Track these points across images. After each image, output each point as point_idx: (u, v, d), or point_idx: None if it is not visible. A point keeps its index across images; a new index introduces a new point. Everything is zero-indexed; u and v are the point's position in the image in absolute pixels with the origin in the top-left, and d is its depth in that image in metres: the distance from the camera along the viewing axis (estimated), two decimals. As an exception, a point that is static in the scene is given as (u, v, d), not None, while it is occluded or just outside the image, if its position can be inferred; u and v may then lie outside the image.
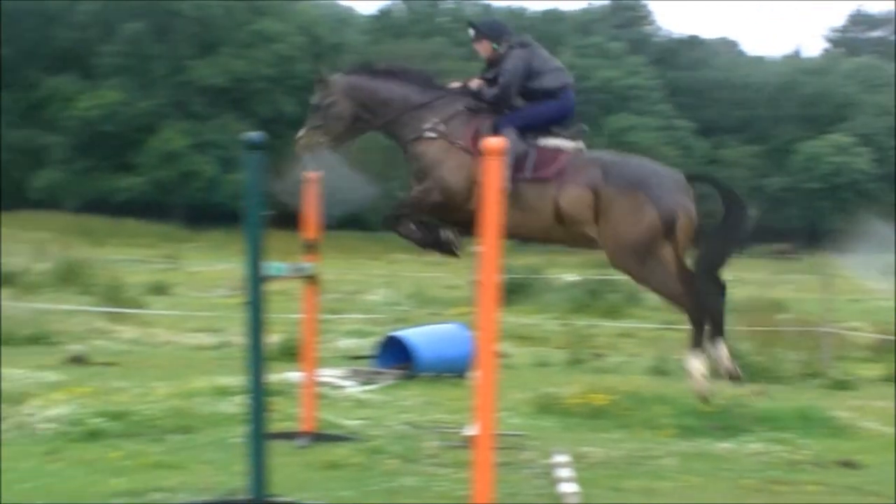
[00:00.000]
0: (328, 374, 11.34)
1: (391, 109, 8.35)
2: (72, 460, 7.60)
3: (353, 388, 11.30)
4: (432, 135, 8.21)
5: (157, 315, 18.08)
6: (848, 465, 8.36)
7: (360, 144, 8.69)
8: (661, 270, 7.74)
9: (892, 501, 7.26)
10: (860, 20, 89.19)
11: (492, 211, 5.61)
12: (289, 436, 8.35)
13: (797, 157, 70.16)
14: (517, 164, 7.91)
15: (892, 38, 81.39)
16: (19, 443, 8.19)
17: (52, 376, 11.20)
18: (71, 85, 59.37)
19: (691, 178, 8.12)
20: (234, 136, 22.87)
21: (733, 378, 7.94)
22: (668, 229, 7.71)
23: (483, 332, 5.64)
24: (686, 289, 7.76)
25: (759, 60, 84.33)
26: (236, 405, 9.22)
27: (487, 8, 76.19)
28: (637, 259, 7.76)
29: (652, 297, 23.14)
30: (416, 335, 12.64)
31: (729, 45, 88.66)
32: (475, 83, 8.40)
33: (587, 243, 8.06)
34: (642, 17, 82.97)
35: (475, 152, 7.95)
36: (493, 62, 8.37)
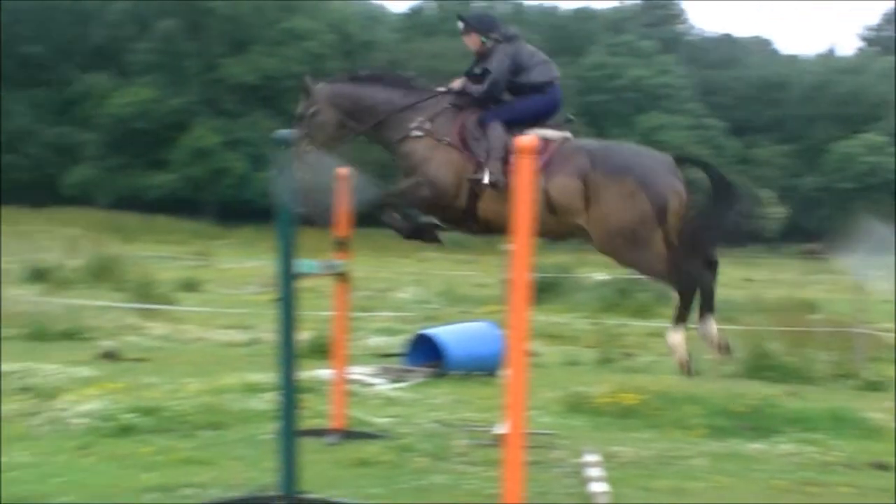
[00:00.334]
0: (358, 372, 11.35)
1: (377, 113, 8.39)
2: (103, 455, 7.64)
3: (382, 386, 11.30)
4: (419, 133, 8.24)
5: (188, 311, 18.14)
6: (881, 466, 8.31)
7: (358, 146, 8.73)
8: (650, 254, 7.72)
9: (925, 504, 7.21)
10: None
11: (523, 209, 5.60)
12: (319, 433, 8.37)
13: (830, 156, 69.70)
14: (505, 158, 7.91)
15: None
16: (52, 437, 8.25)
17: (84, 371, 11.26)
18: (104, 82, 59.69)
19: (680, 161, 8.10)
20: (265, 133, 22.89)
21: (723, 351, 7.96)
22: (659, 213, 7.71)
23: (514, 331, 5.63)
24: (674, 267, 7.72)
25: (793, 59, 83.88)
26: (266, 402, 9.24)
27: (519, 7, 76.15)
28: (627, 244, 7.74)
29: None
30: (446, 333, 12.63)
31: (762, 44, 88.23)
32: (457, 84, 8.42)
33: (578, 234, 8.07)
34: (674, 15, 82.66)
35: (462, 148, 8.10)
36: (483, 55, 8.40)
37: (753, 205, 8.24)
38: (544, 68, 8.42)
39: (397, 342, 14.14)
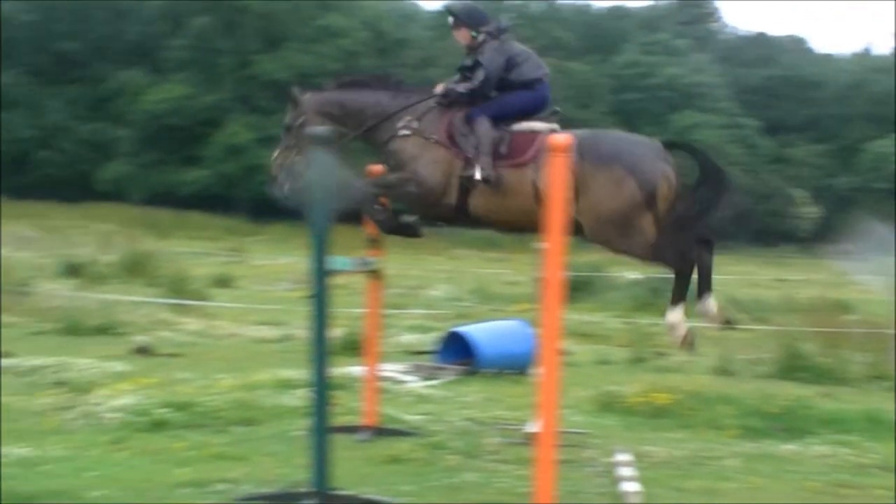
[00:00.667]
0: (390, 369, 11.36)
1: (365, 117, 8.44)
2: (137, 450, 7.68)
3: (414, 383, 11.31)
4: (406, 132, 8.29)
5: (221, 307, 18.21)
6: (916, 469, 8.24)
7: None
8: (642, 239, 7.72)
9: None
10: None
11: (556, 208, 5.60)
12: (350, 430, 8.39)
13: (865, 156, 69.22)
14: (494, 152, 7.98)
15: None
16: (86, 431, 8.31)
17: (118, 366, 11.33)
18: (139, 79, 59.98)
19: (669, 146, 8.07)
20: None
21: (727, 323, 7.93)
22: (648, 198, 7.71)
23: (547, 330, 5.63)
24: (668, 249, 7.68)
25: (828, 58, 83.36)
26: (299, 398, 9.26)
27: (552, 5, 76.03)
28: (618, 231, 7.74)
29: (715, 297, 22.98)
30: (477, 331, 12.62)
31: (797, 43, 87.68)
32: (440, 88, 8.44)
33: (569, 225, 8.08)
34: (709, 13, 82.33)
35: (450, 145, 8.15)
36: (473, 49, 8.43)
37: (740, 192, 8.22)
38: (534, 65, 8.47)
39: (429, 340, 14.14)
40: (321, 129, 6.85)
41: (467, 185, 8.03)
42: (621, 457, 7.99)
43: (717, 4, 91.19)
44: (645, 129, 65.54)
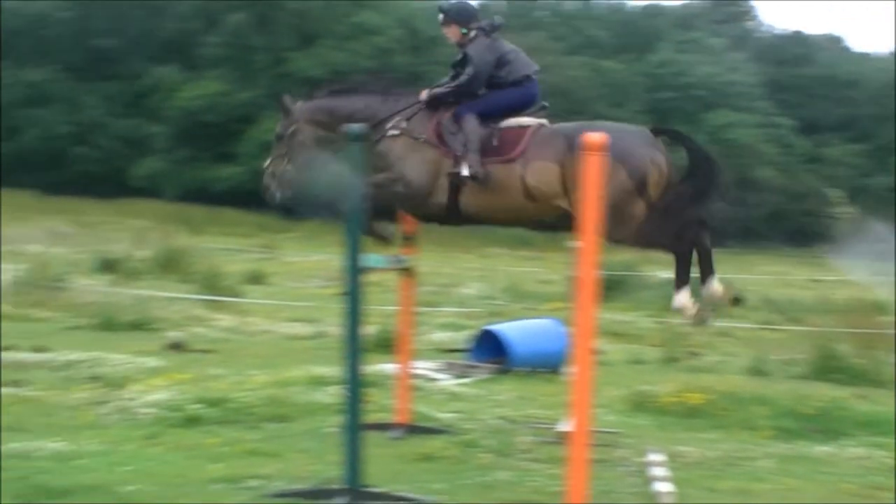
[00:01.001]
0: (423, 367, 11.37)
1: (356, 121, 8.41)
2: (170, 445, 7.71)
3: (447, 381, 11.31)
4: (395, 132, 8.33)
5: (254, 304, 18.27)
6: (952, 472, 8.18)
7: None
8: (636, 226, 7.69)
9: None
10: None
11: (591, 207, 5.58)
12: (383, 427, 8.40)
13: (902, 156, 68.71)
14: (482, 149, 7.99)
15: None
16: (120, 426, 8.35)
17: (151, 362, 11.39)
18: (174, 75, 60.21)
19: (657, 132, 8.05)
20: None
21: (735, 302, 7.88)
22: (639, 186, 7.69)
23: (580, 329, 5.61)
24: (662, 233, 7.68)
25: (865, 57, 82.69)
26: (331, 395, 9.28)
27: (587, 3, 75.85)
28: (612, 220, 7.67)
29: (750, 297, 22.87)
30: (510, 329, 12.61)
31: (833, 41, 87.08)
32: (424, 94, 8.45)
33: (561, 218, 8.06)
34: (744, 12, 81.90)
35: (439, 144, 8.17)
36: (463, 46, 8.45)
37: (728, 180, 8.18)
38: (523, 63, 8.48)
39: (461, 338, 14.14)
40: (355, 125, 6.86)
41: (457, 182, 8.05)
42: (654, 457, 7.96)
43: (753, 3, 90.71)
44: (679, 127, 65.41)
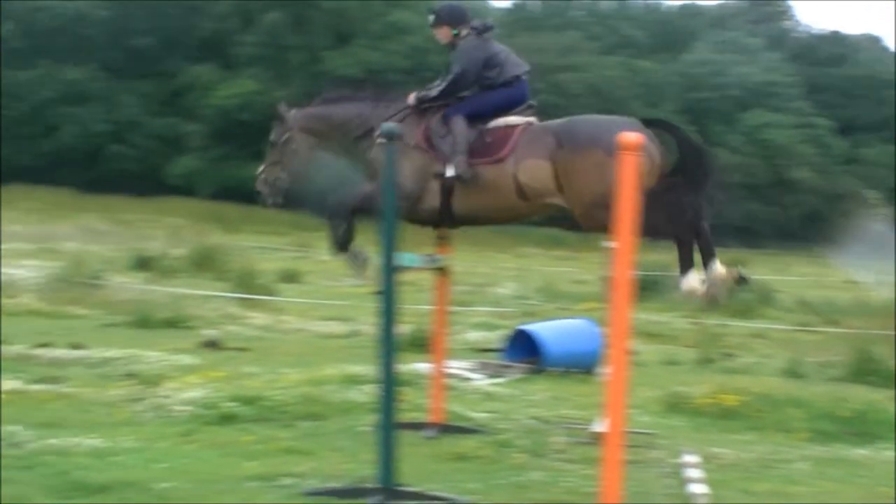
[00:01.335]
0: (456, 366, 11.36)
1: (349, 129, 8.59)
2: (205, 443, 7.74)
3: (480, 381, 11.31)
4: (384, 139, 8.30)
5: (289, 302, 18.32)
6: None
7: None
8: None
9: None
10: None
11: (626, 207, 5.56)
12: (417, 426, 8.40)
13: (940, 157, 68.14)
14: (471, 151, 8.01)
15: None
16: (155, 423, 8.39)
17: (186, 360, 11.44)
18: (210, 74, 60.48)
19: (648, 123, 8.01)
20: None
21: (740, 282, 7.83)
22: None
23: (615, 329, 5.60)
24: (660, 221, 7.65)
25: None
26: (365, 394, 9.29)
27: (623, 3, 75.65)
28: (607, 213, 7.64)
29: (786, 298, 22.79)
30: (544, 329, 12.59)
31: (872, 41, 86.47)
32: (411, 98, 8.49)
33: (554, 212, 8.17)
34: (781, 12, 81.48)
35: (428, 148, 8.23)
36: (454, 47, 8.48)
37: (720, 170, 8.15)
38: (514, 64, 8.50)
39: (495, 337, 14.13)
40: (390, 124, 6.87)
41: (448, 185, 8.07)
42: (689, 458, 7.93)
43: (791, 3, 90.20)
44: (714, 127, 65.08)
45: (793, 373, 13.27)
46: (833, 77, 73.25)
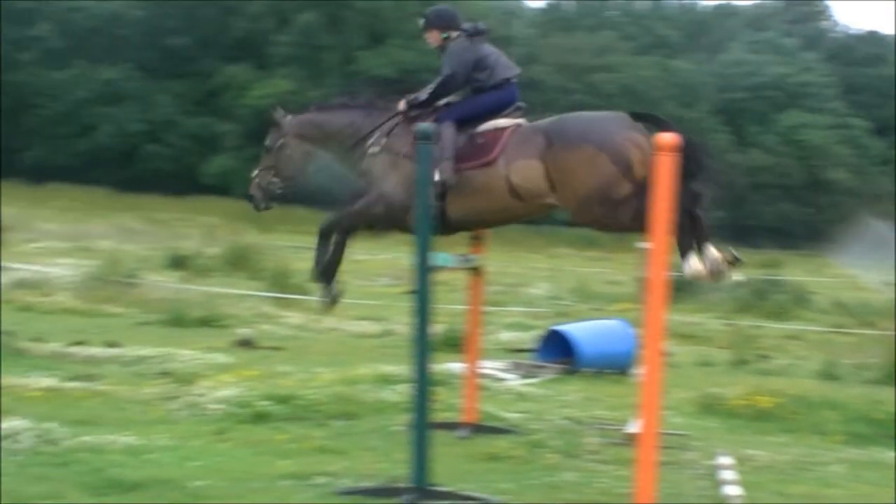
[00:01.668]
0: (489, 366, 11.36)
1: (343, 138, 8.65)
2: (239, 441, 7.77)
3: (514, 381, 11.30)
4: (375, 149, 8.43)
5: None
6: None
7: None
8: (627, 209, 7.62)
9: None
10: None
11: (661, 208, 5.54)
12: (450, 426, 8.40)
13: (978, 157, 67.53)
14: (461, 155, 8.02)
15: None
16: (190, 421, 8.43)
17: (220, 358, 11.48)
18: (245, 74, 60.68)
19: (637, 118, 7.97)
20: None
21: (733, 263, 7.77)
22: (624, 169, 7.62)
23: (649, 330, 5.58)
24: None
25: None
26: (398, 393, 9.31)
27: (658, 3, 75.38)
28: (602, 207, 7.69)
29: (821, 300, 22.66)
30: (578, 330, 12.56)
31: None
32: (402, 104, 8.51)
33: (547, 211, 8.21)
34: (818, 12, 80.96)
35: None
36: (444, 51, 8.50)
37: (714, 162, 8.08)
38: (504, 67, 8.51)
39: (529, 338, 14.11)
40: (425, 125, 6.88)
41: (441, 191, 8.09)
42: (723, 460, 7.89)
43: (828, 2, 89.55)
44: (750, 128, 64.75)
45: (828, 375, 13.19)
46: (870, 77, 72.70)
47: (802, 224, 60.50)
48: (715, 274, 7.73)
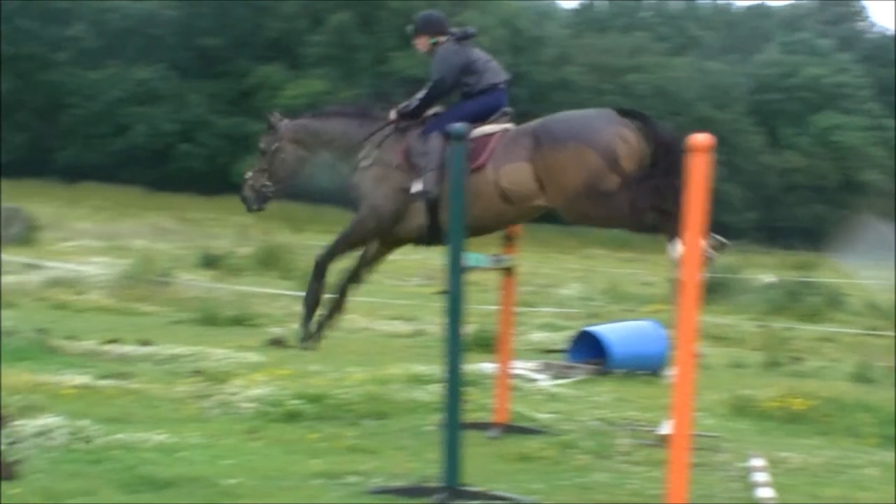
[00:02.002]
0: (521, 367, 11.34)
1: (336, 147, 8.74)
2: (271, 440, 7.79)
3: (545, 382, 11.28)
4: (366, 163, 8.51)
5: (354, 301, 18.32)
6: None
7: None
8: (616, 202, 7.66)
9: None
10: None
11: (695, 209, 5.52)
12: (481, 426, 8.39)
13: None
14: (442, 166, 8.04)
15: None
16: (222, 420, 8.46)
17: (252, 357, 11.51)
18: (278, 74, 60.90)
19: (622, 113, 7.99)
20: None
21: (719, 248, 7.74)
22: (611, 162, 7.65)
23: (682, 331, 5.56)
24: (644, 201, 7.67)
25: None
26: (430, 393, 9.31)
27: (692, 4, 75.14)
28: (591, 202, 7.73)
29: (855, 302, 22.52)
30: (609, 331, 12.53)
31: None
32: (393, 114, 8.59)
33: (538, 213, 8.21)
34: (854, 13, 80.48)
35: (409, 168, 8.32)
36: (433, 56, 8.56)
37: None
38: (493, 72, 8.55)
39: (560, 338, 14.09)
40: (457, 124, 6.88)
41: (431, 201, 8.16)
42: (755, 462, 7.85)
43: (864, 3, 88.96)
44: (784, 130, 64.42)
45: (862, 377, 13.11)
46: (906, 78, 72.14)
47: (836, 225, 60.14)
48: (711, 254, 7.75)
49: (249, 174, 9.15)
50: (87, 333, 12.46)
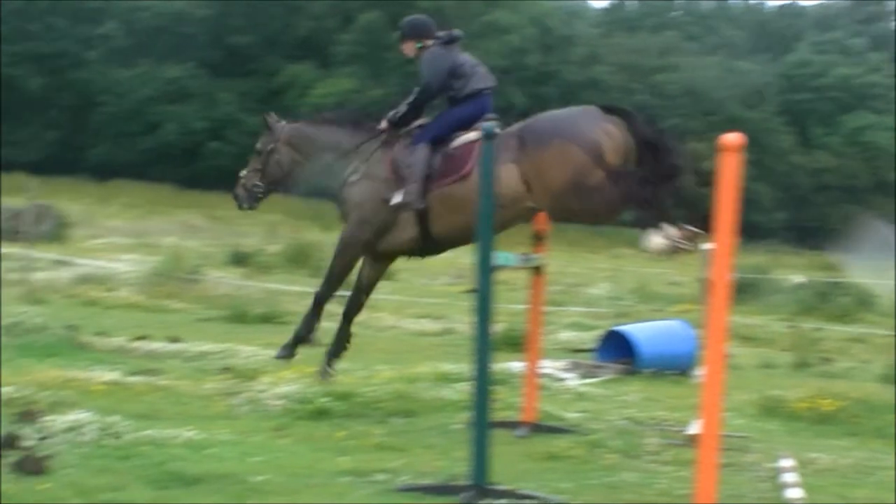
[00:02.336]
0: (549, 366, 11.34)
1: (326, 154, 8.83)
2: (299, 437, 7.81)
3: (573, 381, 11.27)
4: (355, 178, 8.62)
5: (383, 300, 18.37)
6: None
7: None
8: (600, 196, 7.69)
9: None
10: None
11: (726, 208, 5.50)
12: (509, 425, 8.39)
13: None
14: (437, 173, 8.21)
15: None
16: (250, 417, 8.48)
17: (281, 354, 11.52)
18: (308, 73, 61.04)
19: (606, 110, 7.98)
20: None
21: (693, 239, 7.72)
22: (595, 157, 7.67)
23: (712, 331, 5.54)
24: (630, 193, 7.70)
25: None
26: (458, 392, 9.31)
27: (723, 4, 74.86)
28: (576, 197, 7.76)
29: (885, 303, 22.39)
30: (638, 330, 12.51)
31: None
32: (384, 123, 8.69)
33: (528, 215, 8.26)
34: (888, 12, 79.96)
35: (396, 179, 8.40)
36: (420, 61, 8.63)
37: (678, 155, 8.03)
38: (481, 77, 8.60)
39: (588, 338, 14.07)
40: (487, 123, 6.89)
41: (420, 212, 8.25)
42: (784, 462, 7.81)
43: None
44: (814, 130, 64.09)
45: (891, 378, 13.01)
46: (938, 78, 71.65)
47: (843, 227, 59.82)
48: (675, 250, 7.74)
49: (244, 173, 9.24)
50: (117, 330, 12.53)
